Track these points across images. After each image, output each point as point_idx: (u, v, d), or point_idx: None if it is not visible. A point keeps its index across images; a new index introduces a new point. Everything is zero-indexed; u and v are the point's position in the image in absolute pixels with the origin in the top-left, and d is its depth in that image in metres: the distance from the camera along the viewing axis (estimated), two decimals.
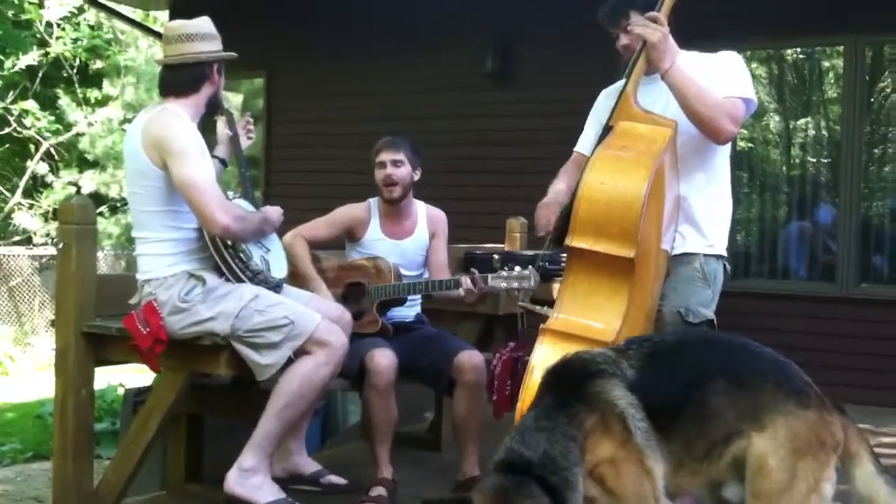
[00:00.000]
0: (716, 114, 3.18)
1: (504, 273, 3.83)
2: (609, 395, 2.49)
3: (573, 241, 3.05)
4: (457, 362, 3.92)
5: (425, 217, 4.33)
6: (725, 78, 3.27)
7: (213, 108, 3.59)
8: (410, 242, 4.27)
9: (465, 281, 3.91)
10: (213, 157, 3.71)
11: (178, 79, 3.50)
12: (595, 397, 2.49)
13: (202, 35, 3.50)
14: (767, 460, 2.46)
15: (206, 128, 3.67)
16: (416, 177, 4.22)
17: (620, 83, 3.49)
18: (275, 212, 3.62)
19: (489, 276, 3.87)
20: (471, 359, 3.93)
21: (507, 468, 2.45)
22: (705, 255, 3.37)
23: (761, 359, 2.64)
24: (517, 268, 3.83)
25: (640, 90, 3.29)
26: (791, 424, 2.49)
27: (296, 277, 4.11)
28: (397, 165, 4.15)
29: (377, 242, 4.21)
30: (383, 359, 3.77)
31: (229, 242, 3.38)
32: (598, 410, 2.47)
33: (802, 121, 7.30)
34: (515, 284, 3.81)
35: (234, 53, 3.61)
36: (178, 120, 3.36)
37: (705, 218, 3.38)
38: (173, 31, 3.54)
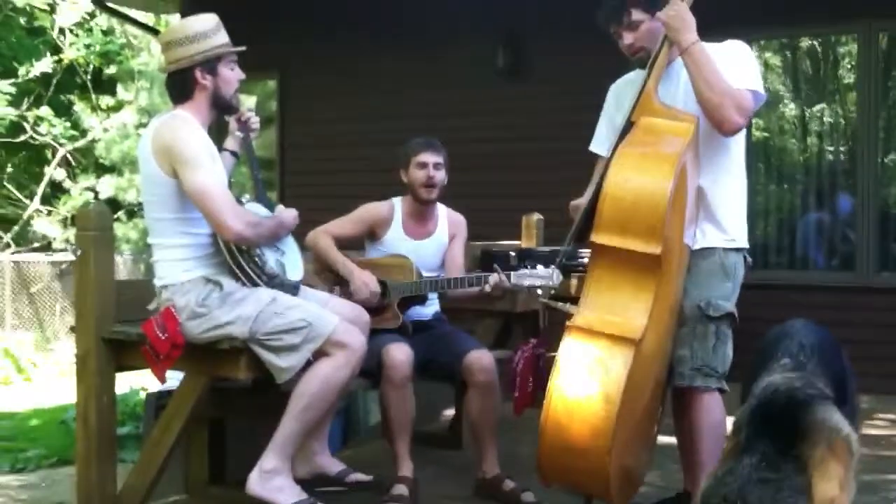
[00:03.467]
0: (725, 102, 3.15)
1: (527, 271, 3.83)
2: (831, 420, 2.38)
3: (599, 237, 3.05)
4: (466, 363, 3.92)
5: (446, 219, 4.33)
6: (733, 69, 3.23)
7: (222, 107, 3.51)
8: (430, 244, 4.27)
9: (493, 278, 3.91)
10: (224, 150, 3.68)
11: (171, 86, 3.48)
12: (818, 428, 2.36)
13: (179, 41, 3.40)
14: None
15: (221, 132, 3.64)
16: (446, 181, 4.24)
17: (630, 76, 3.48)
18: (290, 215, 3.60)
19: (512, 273, 3.86)
20: (479, 360, 3.92)
21: None
22: (724, 249, 3.35)
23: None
24: (540, 266, 3.82)
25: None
26: None
27: (321, 273, 4.11)
28: (438, 168, 4.16)
29: (398, 242, 4.22)
30: (399, 353, 3.77)
31: (243, 247, 3.37)
32: (823, 441, 2.34)
33: (818, 109, 7.24)
34: (539, 282, 3.80)
35: (218, 50, 3.41)
36: (186, 126, 3.34)
37: (723, 211, 3.36)
38: (161, 38, 3.51)
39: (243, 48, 3.53)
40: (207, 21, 3.46)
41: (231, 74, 3.49)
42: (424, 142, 4.23)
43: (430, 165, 4.14)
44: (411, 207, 4.23)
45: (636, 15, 3.33)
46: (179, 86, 3.44)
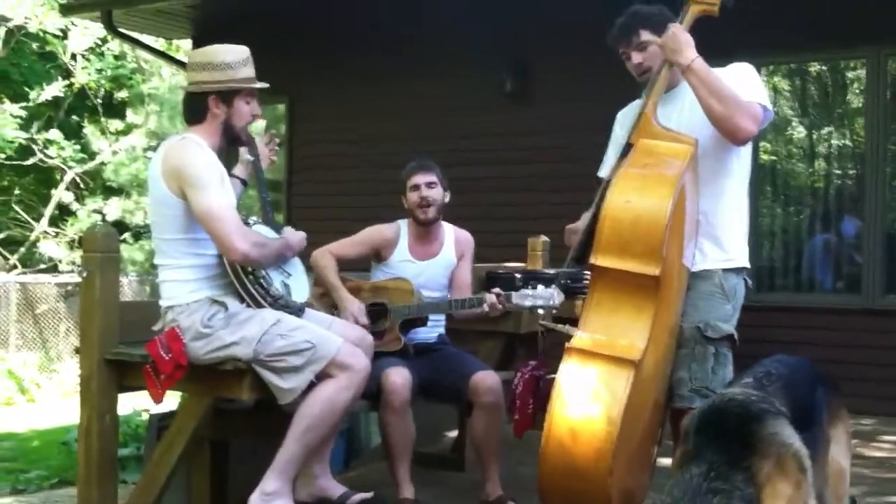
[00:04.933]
0: (736, 111, 3.16)
1: (528, 291, 3.83)
2: (783, 435, 2.37)
3: (598, 259, 3.05)
4: (472, 384, 3.92)
5: (453, 239, 4.34)
6: (741, 87, 3.25)
7: (232, 138, 3.52)
8: (436, 264, 4.28)
9: (489, 298, 3.91)
10: (233, 176, 3.70)
11: (186, 106, 3.53)
12: (770, 440, 2.34)
13: (203, 65, 3.45)
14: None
15: (230, 152, 3.66)
16: (447, 198, 4.25)
17: (636, 103, 3.49)
18: (297, 237, 3.62)
19: (513, 293, 3.86)
20: (485, 380, 3.92)
21: None
22: (724, 270, 3.35)
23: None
24: (540, 286, 3.82)
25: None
26: None
27: (322, 296, 4.12)
28: (431, 187, 4.17)
29: (404, 264, 4.22)
30: (398, 377, 3.77)
31: (249, 269, 3.39)
32: (773, 455, 2.32)
33: (826, 132, 7.25)
34: (540, 303, 3.79)
35: (239, 83, 3.45)
36: (196, 149, 3.37)
37: (723, 232, 3.37)
38: (189, 57, 3.55)
39: (265, 85, 3.55)
40: (237, 53, 3.49)
41: (245, 109, 3.51)
42: (416, 164, 4.26)
43: (421, 186, 4.17)
44: (415, 230, 4.25)
45: (645, 35, 3.35)
46: (193, 108, 3.49)
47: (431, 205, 4.17)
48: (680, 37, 3.20)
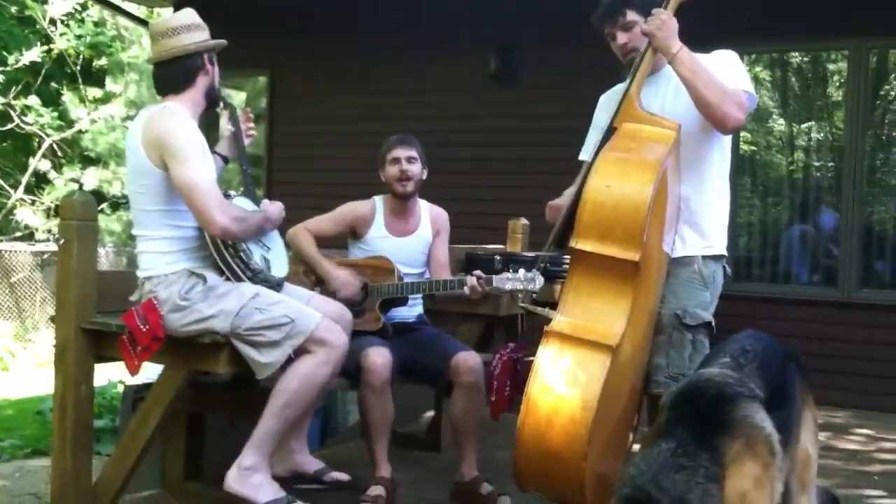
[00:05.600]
0: (724, 99, 3.18)
1: (509, 275, 3.83)
2: (755, 418, 2.41)
3: (578, 243, 3.05)
4: (454, 364, 3.92)
5: (428, 215, 4.34)
6: (725, 73, 3.26)
7: (213, 99, 3.56)
8: (413, 240, 4.27)
9: (470, 281, 3.91)
10: (215, 153, 3.69)
11: (171, 74, 3.48)
12: (741, 423, 2.39)
13: (187, 26, 3.47)
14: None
15: (210, 123, 3.64)
16: (425, 175, 4.25)
17: (619, 87, 3.49)
18: (275, 209, 3.60)
19: (493, 277, 3.86)
20: (467, 360, 3.92)
21: None
22: (704, 257, 3.37)
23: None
24: (521, 270, 3.83)
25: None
26: None
27: (302, 272, 4.11)
28: (411, 162, 4.17)
29: (381, 240, 4.21)
30: (378, 357, 3.76)
31: (229, 242, 3.37)
32: (743, 436, 2.37)
33: (806, 125, 7.29)
34: (520, 286, 3.80)
35: (223, 41, 3.56)
36: (178, 119, 3.35)
37: (704, 218, 3.38)
38: (158, 27, 3.51)
39: (224, 42, 3.59)
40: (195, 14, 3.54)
41: (215, 68, 3.56)
42: (396, 138, 4.27)
43: (402, 160, 4.16)
44: (392, 204, 4.24)
45: (631, 16, 3.35)
46: (182, 71, 3.46)
47: (411, 178, 4.16)
48: (669, 24, 3.20)
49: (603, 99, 3.66)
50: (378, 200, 4.28)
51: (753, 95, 3.33)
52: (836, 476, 4.55)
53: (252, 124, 3.85)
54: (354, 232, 4.26)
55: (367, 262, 4.18)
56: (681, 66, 3.18)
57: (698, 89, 3.17)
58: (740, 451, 2.35)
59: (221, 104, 3.70)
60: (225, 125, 3.80)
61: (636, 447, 3.47)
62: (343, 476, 3.92)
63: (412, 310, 4.26)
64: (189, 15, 3.51)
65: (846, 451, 5.17)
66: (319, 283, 4.11)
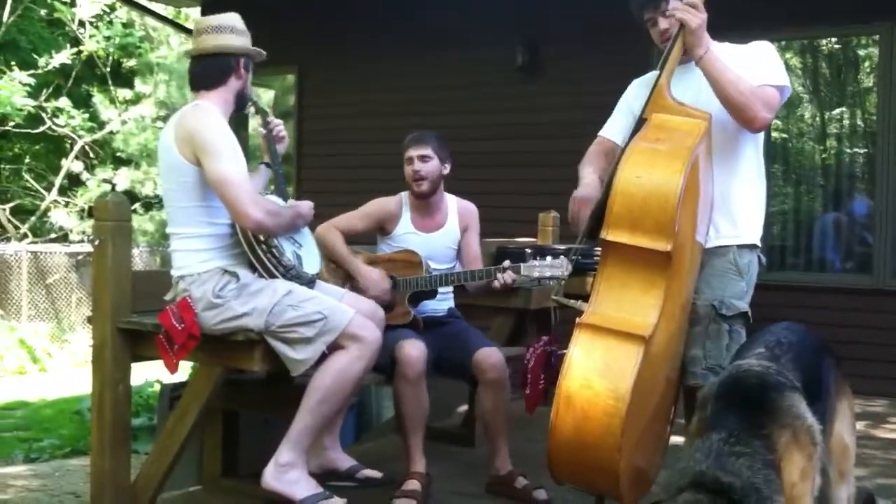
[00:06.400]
0: (750, 100, 3.16)
1: (536, 262, 3.83)
2: (798, 408, 2.43)
3: (609, 235, 3.04)
4: (475, 360, 3.92)
5: (456, 210, 4.33)
6: (759, 67, 3.25)
7: (241, 102, 3.60)
8: (441, 236, 4.27)
9: (501, 278, 3.91)
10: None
11: (206, 70, 3.53)
12: (786, 412, 2.41)
13: (230, 28, 3.53)
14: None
15: (239, 124, 3.67)
16: (446, 171, 4.23)
17: (651, 74, 3.47)
18: (306, 206, 3.62)
19: (521, 265, 3.86)
20: (489, 357, 3.92)
21: (706, 490, 2.28)
22: (738, 247, 3.34)
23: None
24: (549, 257, 3.82)
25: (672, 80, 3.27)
26: None
27: (332, 269, 4.13)
28: (424, 161, 4.15)
29: (408, 236, 4.22)
30: (413, 349, 3.77)
31: (262, 238, 3.39)
32: (790, 426, 2.39)
33: (837, 111, 7.21)
34: (548, 273, 3.80)
35: (261, 50, 3.62)
36: (210, 116, 3.38)
37: (738, 208, 3.36)
38: (202, 23, 3.59)
39: (262, 52, 3.65)
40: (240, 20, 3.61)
41: (249, 75, 3.62)
42: (411, 137, 4.26)
43: (414, 159, 4.16)
44: (415, 202, 4.25)
45: (673, 2, 3.32)
46: (216, 69, 3.51)
47: (424, 178, 4.15)
48: (703, 27, 3.18)
49: (635, 83, 3.64)
50: (404, 197, 4.28)
51: (787, 87, 3.30)
52: (873, 465, 4.51)
53: (282, 133, 3.85)
54: (382, 228, 4.27)
55: (394, 255, 4.18)
56: (707, 67, 3.18)
57: (725, 92, 3.16)
58: (788, 441, 2.37)
59: (252, 108, 3.74)
60: (257, 127, 3.83)
61: (674, 439, 3.48)
62: (375, 474, 3.94)
63: (442, 303, 4.26)
64: (236, 19, 3.58)
65: (884, 440, 5.12)
66: (349, 280, 4.12)
